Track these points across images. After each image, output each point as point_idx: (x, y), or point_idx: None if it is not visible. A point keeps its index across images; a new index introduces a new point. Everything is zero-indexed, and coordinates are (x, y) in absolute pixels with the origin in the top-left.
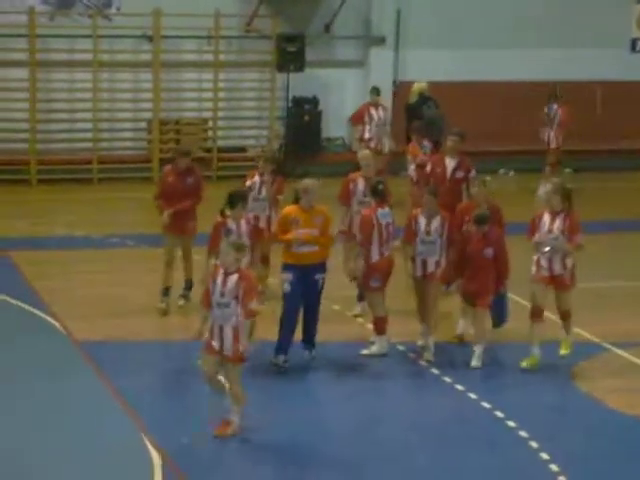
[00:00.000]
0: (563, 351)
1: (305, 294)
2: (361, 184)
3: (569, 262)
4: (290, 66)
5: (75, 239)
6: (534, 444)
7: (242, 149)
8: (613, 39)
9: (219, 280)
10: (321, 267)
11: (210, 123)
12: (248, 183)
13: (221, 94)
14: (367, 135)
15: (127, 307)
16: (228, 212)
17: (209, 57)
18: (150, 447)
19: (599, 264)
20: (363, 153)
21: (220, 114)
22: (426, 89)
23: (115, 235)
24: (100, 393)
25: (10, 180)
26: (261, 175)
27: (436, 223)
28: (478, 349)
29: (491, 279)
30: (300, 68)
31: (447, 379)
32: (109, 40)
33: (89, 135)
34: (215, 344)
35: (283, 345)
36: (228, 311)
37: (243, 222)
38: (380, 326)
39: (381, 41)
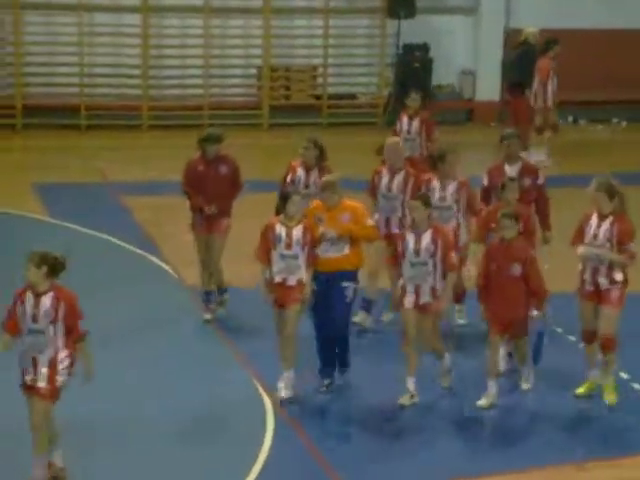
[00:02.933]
0: (608, 398)
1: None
2: (385, 177)
3: (618, 275)
4: (401, 12)
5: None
6: None
7: (352, 96)
8: None
9: None
10: (349, 275)
11: (320, 70)
12: (289, 178)
13: (331, 41)
14: None
15: (239, 254)
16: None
17: (320, 3)
18: (263, 393)
19: None
20: (389, 141)
21: (330, 61)
22: (532, 36)
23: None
24: (212, 339)
25: (123, 125)
26: (305, 166)
27: (427, 240)
28: (525, 371)
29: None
30: (411, 14)
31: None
32: None
33: (200, 81)
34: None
35: (320, 367)
36: None
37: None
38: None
39: None
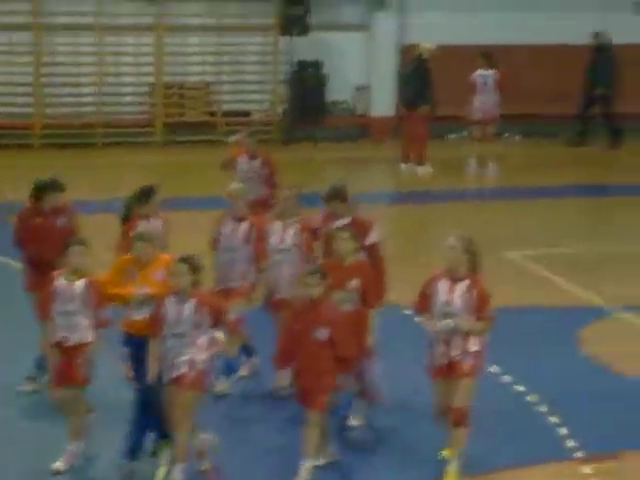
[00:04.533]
0: None
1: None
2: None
3: (474, 346)
4: (293, 30)
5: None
6: (543, 408)
7: (246, 113)
8: (618, 2)
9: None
10: None
11: (214, 87)
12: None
13: (225, 58)
14: None
15: None
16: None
17: (213, 21)
18: None
19: (596, 227)
20: (230, 188)
21: (224, 78)
22: (426, 51)
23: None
24: None
25: (13, 145)
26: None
27: (190, 309)
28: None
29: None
30: (304, 32)
31: None
32: (113, 3)
33: (92, 99)
34: None
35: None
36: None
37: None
38: None
39: (385, 4)
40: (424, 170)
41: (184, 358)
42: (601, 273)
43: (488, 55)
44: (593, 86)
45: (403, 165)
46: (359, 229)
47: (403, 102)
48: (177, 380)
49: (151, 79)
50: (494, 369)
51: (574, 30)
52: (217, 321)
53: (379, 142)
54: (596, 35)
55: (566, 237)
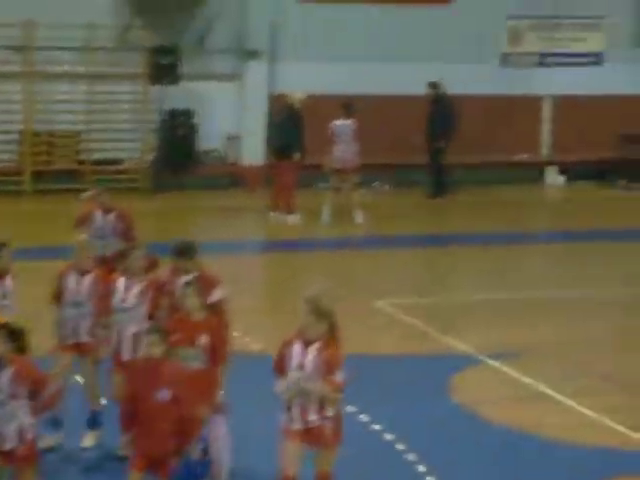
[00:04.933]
0: None
1: None
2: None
3: (330, 411)
4: (164, 79)
5: None
6: (411, 457)
7: (116, 161)
8: (484, 54)
9: None
10: None
11: (84, 135)
12: None
13: (95, 106)
14: None
15: None
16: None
17: (82, 69)
18: None
19: (466, 276)
20: (76, 239)
21: (94, 126)
22: (297, 101)
23: None
24: None
25: None
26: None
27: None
28: None
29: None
30: (174, 81)
31: None
32: None
33: None
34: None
35: None
36: None
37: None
38: None
39: (256, 54)
40: (293, 219)
41: (10, 429)
42: (469, 321)
43: (347, 105)
44: (432, 137)
45: (272, 213)
46: (204, 285)
47: (273, 151)
48: (8, 455)
49: (20, 127)
50: (364, 417)
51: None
52: (35, 393)
53: (250, 191)
54: (433, 85)
55: (433, 286)
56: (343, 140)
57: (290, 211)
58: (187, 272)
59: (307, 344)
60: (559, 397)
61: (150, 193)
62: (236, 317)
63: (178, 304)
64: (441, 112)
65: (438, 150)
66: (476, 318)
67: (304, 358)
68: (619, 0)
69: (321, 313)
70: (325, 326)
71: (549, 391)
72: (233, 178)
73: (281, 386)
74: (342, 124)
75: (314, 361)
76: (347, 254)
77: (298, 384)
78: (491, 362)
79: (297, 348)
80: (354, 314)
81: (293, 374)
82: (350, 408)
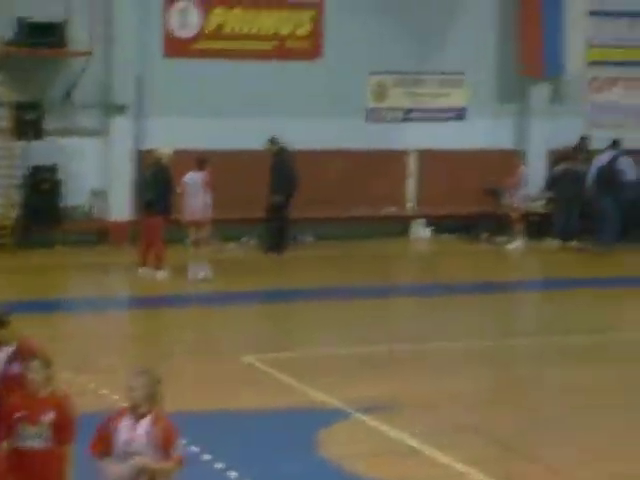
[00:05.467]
0: None
1: None
2: None
3: None
4: (28, 134)
5: None
6: None
7: None
8: (350, 109)
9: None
10: None
11: None
12: None
13: None
14: None
15: None
16: None
17: None
18: None
19: (333, 329)
20: None
21: None
22: (165, 156)
23: None
24: None
25: None
26: None
27: None
28: None
29: None
30: (38, 136)
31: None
32: None
33: None
34: None
35: None
36: None
37: None
38: None
39: (122, 109)
40: (162, 274)
41: None
42: (337, 375)
43: (200, 159)
44: (271, 191)
45: (141, 269)
46: (26, 354)
47: (141, 206)
48: None
49: None
50: (232, 474)
51: (304, 135)
52: None
53: (117, 246)
54: (272, 141)
55: (301, 340)
56: (194, 193)
57: (159, 267)
58: (4, 343)
59: (137, 417)
60: (428, 450)
61: (15, 250)
62: (104, 375)
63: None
64: (280, 167)
65: (277, 204)
66: (344, 371)
67: (134, 432)
68: (481, 56)
69: (150, 386)
70: (155, 398)
71: (418, 445)
72: (100, 234)
73: (110, 467)
74: (192, 177)
75: (146, 435)
76: (212, 310)
77: (131, 462)
78: (359, 416)
79: (126, 422)
80: (220, 370)
81: (124, 449)
82: (218, 465)
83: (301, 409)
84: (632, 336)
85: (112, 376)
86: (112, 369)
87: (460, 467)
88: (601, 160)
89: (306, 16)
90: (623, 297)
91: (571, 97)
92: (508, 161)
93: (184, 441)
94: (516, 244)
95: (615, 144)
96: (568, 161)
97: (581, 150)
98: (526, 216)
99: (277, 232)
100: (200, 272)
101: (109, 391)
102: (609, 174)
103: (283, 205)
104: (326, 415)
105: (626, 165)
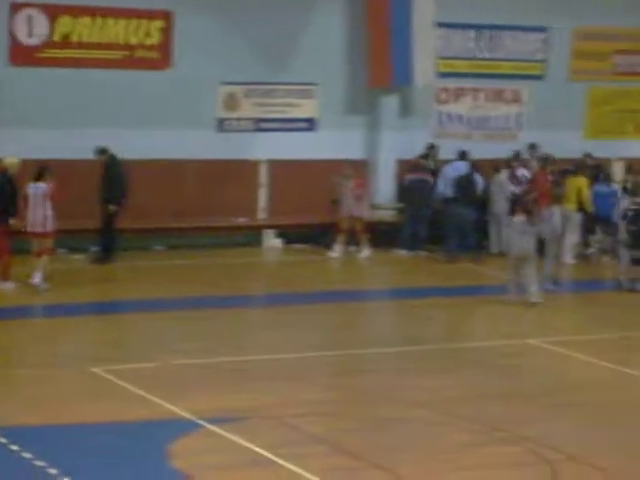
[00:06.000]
0: None
1: None
2: None
3: None
4: None
5: None
6: None
7: None
8: (201, 119)
9: None
10: None
11: None
12: None
13: None
14: None
15: None
16: None
17: None
18: None
19: (181, 340)
20: None
21: None
22: (12, 166)
23: None
24: None
25: None
26: None
27: None
28: None
29: None
30: None
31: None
32: None
33: None
34: None
35: None
36: None
37: None
38: None
39: None
40: (8, 286)
41: None
42: (188, 386)
43: (41, 169)
44: (103, 201)
45: None
46: None
47: None
48: None
49: None
50: None
51: (153, 146)
52: None
53: None
54: (101, 151)
55: (151, 351)
56: (35, 204)
57: (5, 278)
58: None
59: None
60: (278, 461)
61: None
62: None
63: None
64: (112, 176)
65: (112, 214)
66: (195, 383)
67: None
68: (331, 68)
69: None
70: None
71: (268, 455)
72: None
73: None
74: (35, 188)
75: None
76: (56, 321)
77: None
78: (210, 427)
79: None
80: (67, 382)
81: None
82: (64, 479)
83: (151, 421)
84: (480, 344)
85: None
86: None
87: (309, 477)
88: (458, 170)
89: (156, 26)
90: (469, 305)
91: (420, 108)
92: (357, 172)
93: (29, 455)
94: (364, 253)
95: (463, 155)
96: (416, 171)
97: (429, 158)
98: (371, 225)
99: (109, 242)
100: (41, 284)
101: None
102: (467, 184)
103: (115, 215)
104: (176, 427)
105: (477, 176)
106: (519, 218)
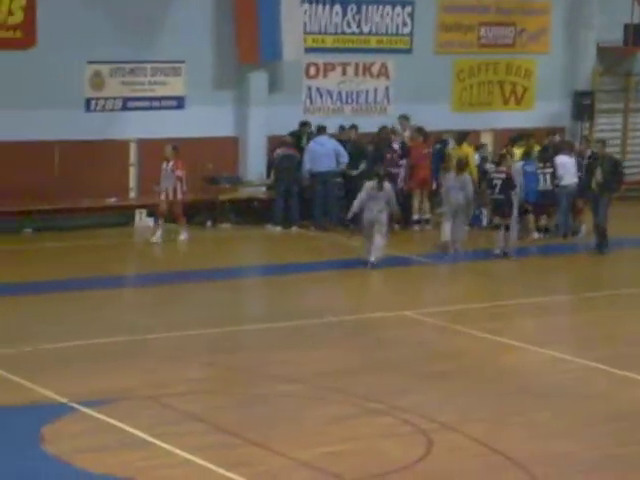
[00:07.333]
0: None
1: None
2: None
3: None
4: None
5: None
6: None
7: None
8: (68, 99)
9: None
10: None
11: None
12: None
13: None
14: None
15: None
16: None
17: None
18: None
19: (54, 323)
20: None
21: None
22: None
23: None
24: None
25: None
26: None
27: None
28: None
29: None
30: None
31: None
32: None
33: None
34: None
35: None
36: None
37: None
38: None
39: None
40: None
41: None
42: (60, 369)
43: None
44: None
45: None
46: None
47: None
48: None
49: None
50: None
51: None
52: None
53: None
54: None
55: (15, 334)
56: None
57: None
58: None
59: None
60: (154, 441)
61: None
62: None
63: None
64: None
65: None
66: (67, 366)
67: None
68: (199, 44)
69: None
70: None
71: (144, 436)
72: None
73: None
74: None
75: None
76: None
77: None
78: (85, 410)
79: None
80: None
81: None
82: None
83: (22, 405)
84: (354, 318)
85: None
86: None
87: (186, 455)
88: (323, 145)
89: (17, 4)
90: (342, 278)
91: (289, 84)
92: (226, 149)
93: None
94: (183, 236)
95: (323, 129)
96: (283, 147)
97: (302, 135)
98: (242, 202)
99: None
100: None
101: None
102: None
103: None
104: (50, 410)
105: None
106: (369, 183)
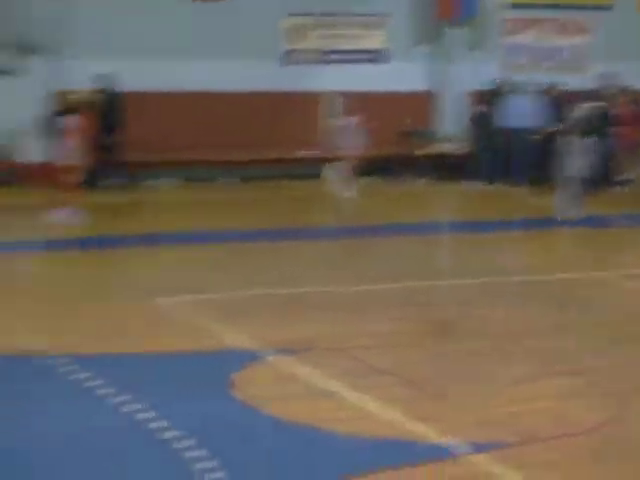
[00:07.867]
0: None
1: None
2: None
3: None
4: None
5: None
6: (198, 453)
7: None
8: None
9: None
10: None
11: None
12: None
13: None
14: None
15: None
16: None
17: None
18: None
19: (244, 272)
20: None
21: None
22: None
23: None
24: None
25: None
26: None
27: None
28: None
29: None
30: None
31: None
32: None
33: None
34: None
35: None
36: None
37: None
38: None
39: (34, 49)
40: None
41: None
42: (251, 317)
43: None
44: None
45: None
46: None
47: None
48: None
49: None
50: (150, 415)
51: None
52: None
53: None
54: (102, 80)
55: (210, 281)
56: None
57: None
58: None
59: None
60: (342, 392)
61: None
62: None
63: None
64: (109, 107)
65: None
66: (258, 314)
67: None
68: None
69: None
70: None
71: (332, 387)
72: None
73: None
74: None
75: None
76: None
77: None
78: (274, 358)
79: None
80: (129, 312)
81: None
82: (133, 406)
83: (214, 352)
84: (562, 277)
85: None
86: None
87: (373, 407)
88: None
89: None
90: (545, 238)
91: (487, 40)
92: (424, 104)
93: (101, 382)
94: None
95: (518, 86)
96: (481, 104)
97: (499, 93)
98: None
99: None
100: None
101: None
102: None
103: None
104: (241, 357)
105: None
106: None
